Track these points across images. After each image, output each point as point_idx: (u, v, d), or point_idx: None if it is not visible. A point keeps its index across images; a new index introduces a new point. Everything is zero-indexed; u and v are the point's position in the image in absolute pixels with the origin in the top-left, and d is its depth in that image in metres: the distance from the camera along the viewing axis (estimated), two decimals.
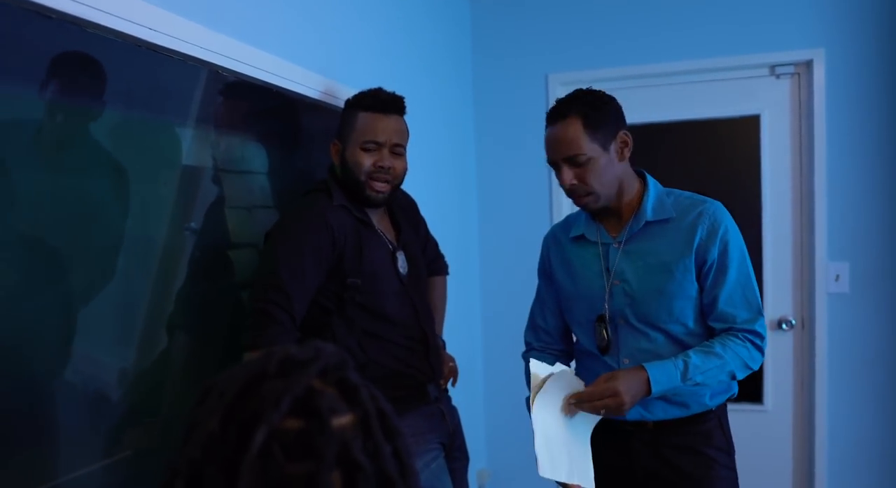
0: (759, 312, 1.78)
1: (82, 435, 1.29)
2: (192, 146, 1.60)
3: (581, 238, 1.92)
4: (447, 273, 2.33)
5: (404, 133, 1.90)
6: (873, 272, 3.17)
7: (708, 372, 1.70)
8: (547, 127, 1.81)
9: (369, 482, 0.58)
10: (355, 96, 1.89)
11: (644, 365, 1.70)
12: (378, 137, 1.83)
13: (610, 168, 1.78)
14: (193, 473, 0.56)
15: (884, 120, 3.12)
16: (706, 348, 1.74)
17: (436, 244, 2.28)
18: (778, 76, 3.29)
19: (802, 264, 3.29)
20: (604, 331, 1.83)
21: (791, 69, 3.26)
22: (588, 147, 1.74)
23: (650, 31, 3.36)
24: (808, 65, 3.21)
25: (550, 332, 2.02)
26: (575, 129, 1.74)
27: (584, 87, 1.84)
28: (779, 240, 3.32)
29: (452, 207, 3.28)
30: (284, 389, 0.58)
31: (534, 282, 3.21)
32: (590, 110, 1.76)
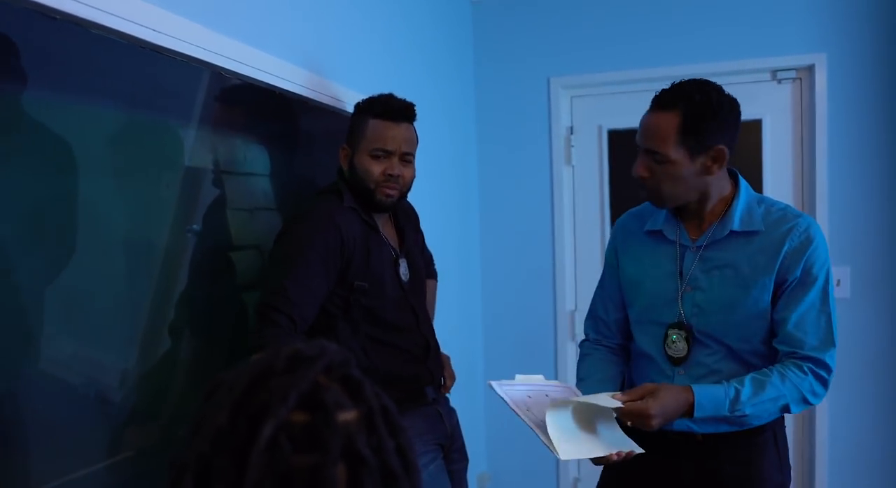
0: (832, 343, 1.63)
1: (85, 435, 1.30)
2: (195, 148, 1.60)
3: (658, 233, 1.78)
4: (436, 278, 2.34)
5: (414, 141, 1.89)
6: (874, 277, 3.17)
7: (759, 404, 1.58)
8: (649, 109, 1.67)
9: (373, 476, 0.59)
10: (366, 102, 1.87)
11: (692, 387, 1.59)
12: (388, 145, 1.81)
13: (688, 179, 1.63)
14: (202, 467, 0.57)
15: (885, 125, 3.12)
16: (762, 377, 1.61)
17: (430, 255, 2.29)
18: (780, 81, 3.29)
19: None
20: (685, 342, 1.70)
21: (793, 74, 3.27)
22: (673, 150, 1.60)
23: (652, 35, 3.37)
24: (810, 69, 3.21)
25: (610, 325, 1.91)
26: (668, 126, 1.60)
27: (704, 81, 1.67)
28: None
29: (454, 210, 3.29)
30: (291, 384, 0.59)
31: (533, 285, 3.24)
32: (696, 113, 1.60)
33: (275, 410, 0.57)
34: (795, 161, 3.29)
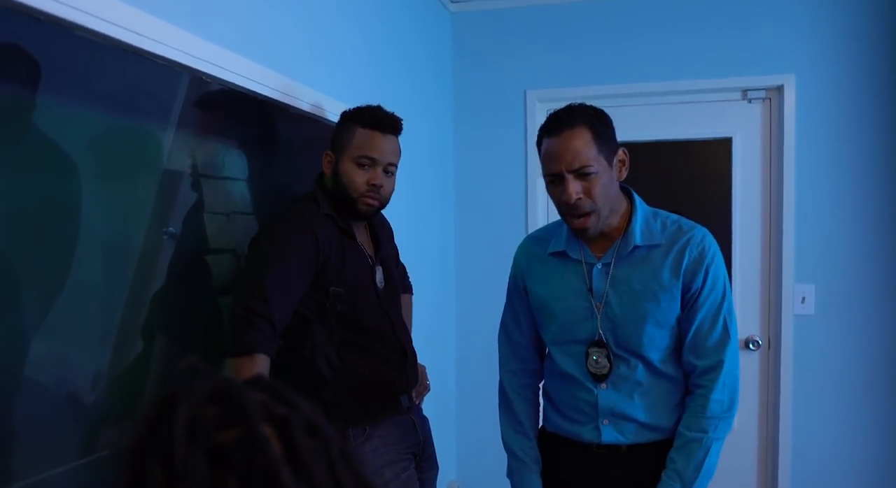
0: (727, 339, 1.73)
1: (56, 435, 1.29)
2: (173, 151, 1.60)
3: (562, 254, 1.82)
4: (411, 293, 2.36)
5: (398, 153, 1.92)
6: (838, 295, 3.24)
7: (703, 461, 1.70)
8: (549, 137, 1.70)
9: (300, 426, 0.60)
10: (354, 111, 1.90)
11: None
12: (374, 154, 1.84)
13: (611, 186, 1.70)
14: (134, 476, 0.57)
15: (851, 145, 3.20)
16: (680, 441, 1.73)
17: (404, 268, 2.32)
18: (750, 100, 3.36)
19: (770, 285, 3.35)
20: (606, 359, 1.75)
21: (762, 94, 3.34)
22: (595, 159, 1.65)
23: (627, 52, 3.42)
24: (779, 90, 3.28)
25: (528, 347, 1.96)
26: (585, 140, 1.65)
27: (576, 103, 1.75)
28: (747, 261, 3.38)
29: (430, 219, 3.30)
30: (198, 385, 0.60)
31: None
32: (597, 122, 1.68)
33: (182, 400, 0.58)
34: (764, 179, 3.36)
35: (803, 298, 3.26)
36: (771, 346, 3.35)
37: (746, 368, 3.37)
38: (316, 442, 0.61)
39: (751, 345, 3.35)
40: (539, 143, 1.75)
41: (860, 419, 3.24)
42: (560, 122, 1.68)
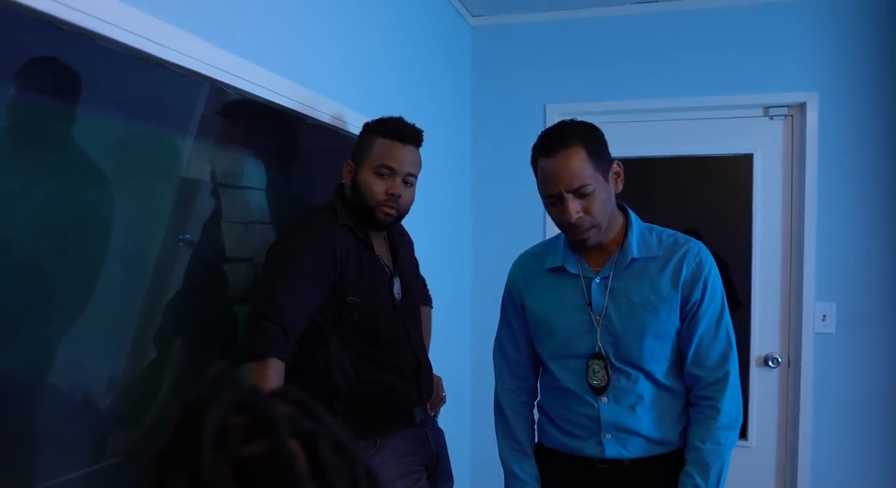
0: (730, 351, 1.76)
1: (70, 440, 1.30)
2: (191, 159, 1.61)
3: (560, 269, 1.84)
4: (431, 305, 2.37)
5: (418, 165, 1.93)
6: (859, 313, 3.20)
7: (721, 472, 1.71)
8: (544, 157, 1.71)
9: (327, 443, 0.60)
10: (375, 122, 1.91)
11: None
12: (393, 164, 1.85)
13: (609, 200, 1.73)
14: (159, 474, 0.57)
15: (874, 163, 3.17)
16: (695, 455, 1.72)
17: (424, 280, 2.32)
18: (772, 117, 3.34)
19: (790, 303, 3.32)
20: (604, 371, 1.76)
21: (784, 111, 3.31)
22: (593, 177, 1.67)
23: (648, 67, 3.42)
24: (802, 107, 3.26)
25: (524, 365, 1.96)
26: (580, 159, 1.66)
27: (568, 119, 1.77)
28: (768, 278, 3.35)
29: (448, 232, 3.31)
30: (223, 394, 0.60)
31: None
32: (590, 139, 1.69)
33: (212, 407, 0.58)
34: (785, 195, 3.33)
35: (824, 316, 3.23)
36: (791, 364, 3.31)
37: (766, 386, 3.34)
38: (342, 460, 0.60)
39: (770, 363, 3.32)
40: (534, 162, 1.77)
41: (880, 438, 3.19)
42: (555, 142, 1.70)
